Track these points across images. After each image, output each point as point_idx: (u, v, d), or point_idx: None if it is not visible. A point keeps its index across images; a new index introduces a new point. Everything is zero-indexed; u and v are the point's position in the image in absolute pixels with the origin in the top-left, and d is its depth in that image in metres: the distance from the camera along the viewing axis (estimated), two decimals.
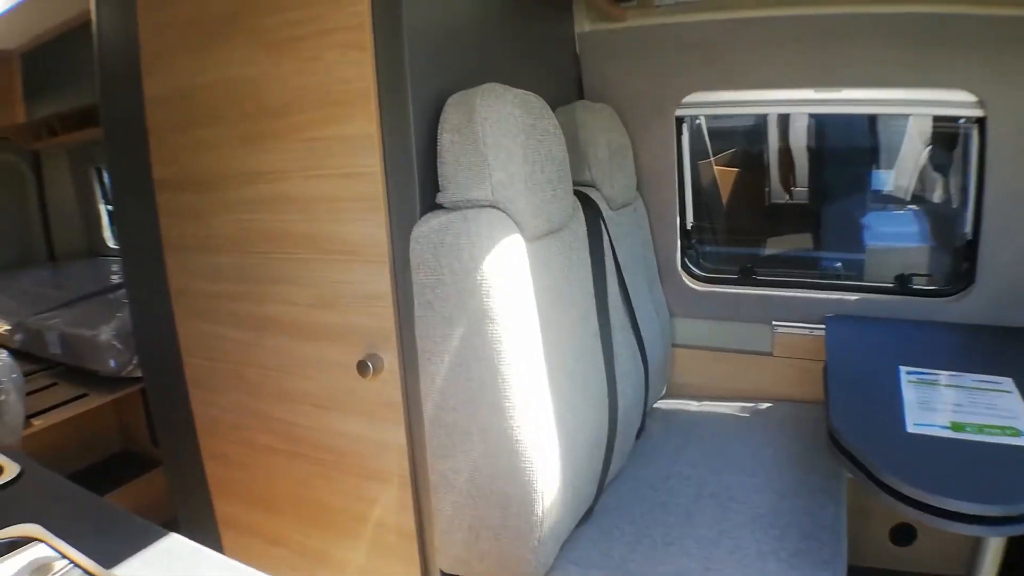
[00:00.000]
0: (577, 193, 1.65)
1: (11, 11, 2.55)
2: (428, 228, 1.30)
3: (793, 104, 2.11)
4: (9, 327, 3.13)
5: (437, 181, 1.34)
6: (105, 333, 2.58)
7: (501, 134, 1.26)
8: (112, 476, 2.70)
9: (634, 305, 1.83)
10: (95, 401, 2.63)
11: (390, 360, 1.42)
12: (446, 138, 1.30)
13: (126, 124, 1.73)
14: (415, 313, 1.34)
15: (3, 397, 2.17)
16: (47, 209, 4.46)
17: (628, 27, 2.10)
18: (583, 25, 2.14)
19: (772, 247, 2.63)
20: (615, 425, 1.61)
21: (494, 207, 1.29)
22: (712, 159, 2.61)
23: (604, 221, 1.71)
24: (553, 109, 1.59)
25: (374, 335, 1.43)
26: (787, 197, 2.88)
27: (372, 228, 1.38)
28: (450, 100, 1.32)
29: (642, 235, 2.10)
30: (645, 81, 2.11)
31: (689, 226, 2.26)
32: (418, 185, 1.33)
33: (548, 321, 1.38)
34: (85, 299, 3.14)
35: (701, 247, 2.33)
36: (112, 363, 2.59)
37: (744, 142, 2.83)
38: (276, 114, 1.42)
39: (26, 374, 2.96)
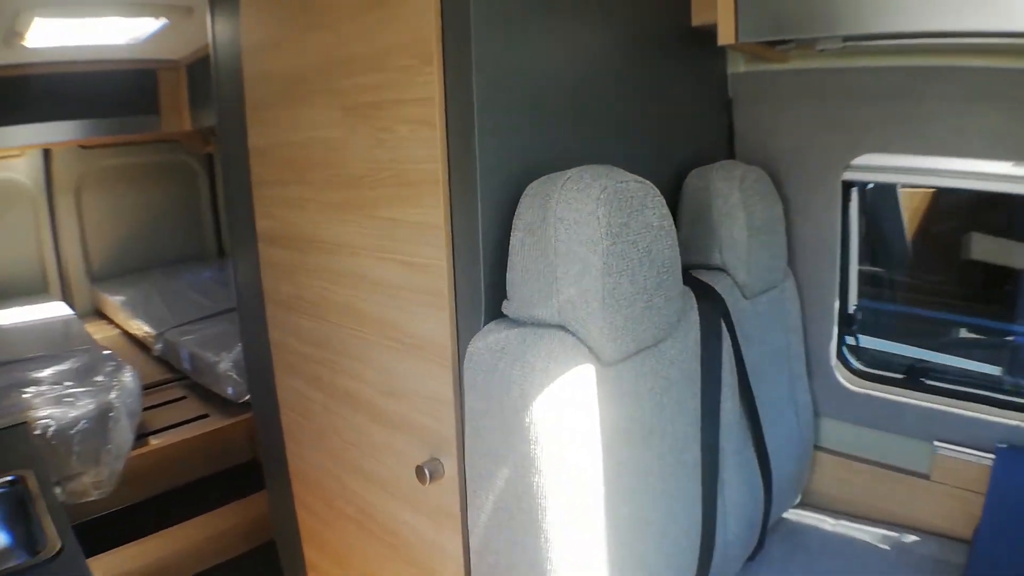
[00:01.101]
0: (695, 283, 1.41)
1: (168, 28, 2.65)
2: (484, 345, 1.12)
3: (999, 180, 1.70)
4: (153, 335, 3.33)
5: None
6: (224, 362, 2.65)
7: (578, 241, 1.05)
8: (236, 486, 2.72)
9: (765, 407, 1.55)
10: (214, 424, 2.71)
11: (450, 467, 1.27)
12: (517, 238, 1.12)
13: (236, 170, 1.75)
14: (466, 438, 1.17)
15: (112, 424, 2.25)
16: (218, 208, 4.79)
17: (794, 69, 1.77)
18: (737, 64, 1.82)
19: (949, 351, 2.16)
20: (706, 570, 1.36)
21: (562, 328, 1.09)
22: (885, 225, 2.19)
23: (729, 319, 1.44)
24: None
25: (436, 438, 1.29)
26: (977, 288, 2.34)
27: (436, 325, 1.24)
28: (528, 189, 1.13)
29: (788, 321, 1.78)
30: (809, 136, 1.76)
31: (851, 310, 1.91)
32: (485, 288, 1.16)
33: (621, 463, 1.16)
34: (223, 313, 3.27)
35: (862, 337, 1.96)
36: (230, 391, 2.65)
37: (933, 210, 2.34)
38: (354, 184, 1.35)
39: (160, 384, 3.16)
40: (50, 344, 3.03)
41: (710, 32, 1.42)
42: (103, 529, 2.30)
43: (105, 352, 2.77)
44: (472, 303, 1.18)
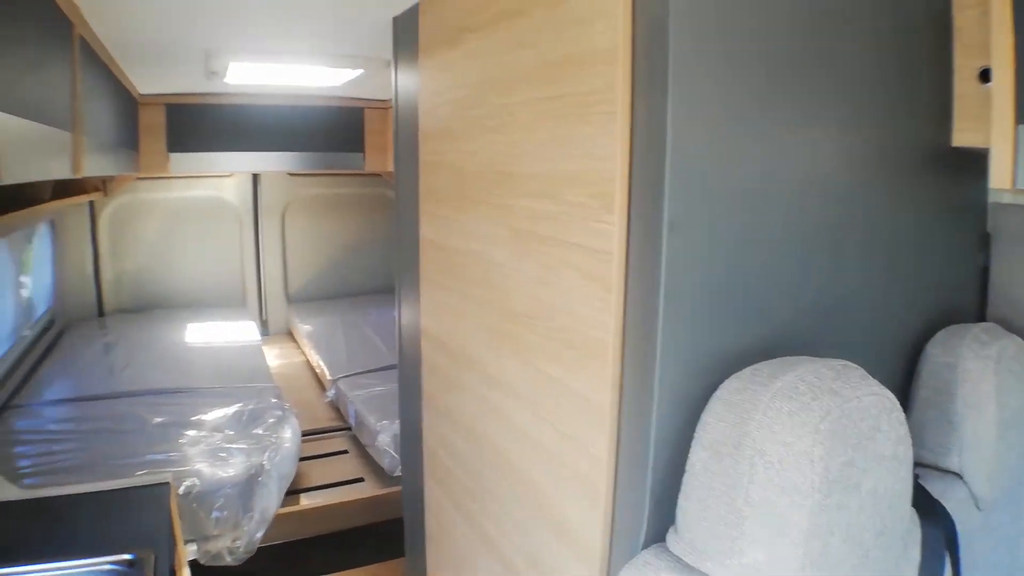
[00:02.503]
0: (921, 498, 1.04)
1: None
2: None
3: None
4: (329, 379, 3.34)
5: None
6: (384, 435, 2.56)
7: (779, 488, 0.74)
8: (377, 544, 2.59)
9: None
10: (368, 491, 2.63)
11: None
12: (698, 457, 0.83)
13: (406, 253, 1.73)
14: None
15: (259, 490, 2.20)
16: None
17: None
18: (1002, 194, 1.39)
19: None
20: None
21: None
22: None
23: (956, 549, 1.06)
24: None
25: None
26: None
27: (586, 522, 1.01)
28: (721, 391, 0.84)
29: None
30: None
31: None
32: (649, 502, 0.90)
33: None
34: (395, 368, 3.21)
35: None
36: (386, 462, 2.56)
37: None
38: (516, 319, 1.19)
39: (326, 431, 3.14)
40: (228, 375, 3.12)
41: (971, 154, 1.10)
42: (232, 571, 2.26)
43: (274, 397, 2.78)
44: (631, 516, 0.92)
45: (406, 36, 1.67)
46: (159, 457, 2.22)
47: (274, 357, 4.22)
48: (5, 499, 1.63)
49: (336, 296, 4.79)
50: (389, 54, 1.80)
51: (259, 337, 3.92)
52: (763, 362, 0.84)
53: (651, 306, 0.87)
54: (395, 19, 1.74)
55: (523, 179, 1.12)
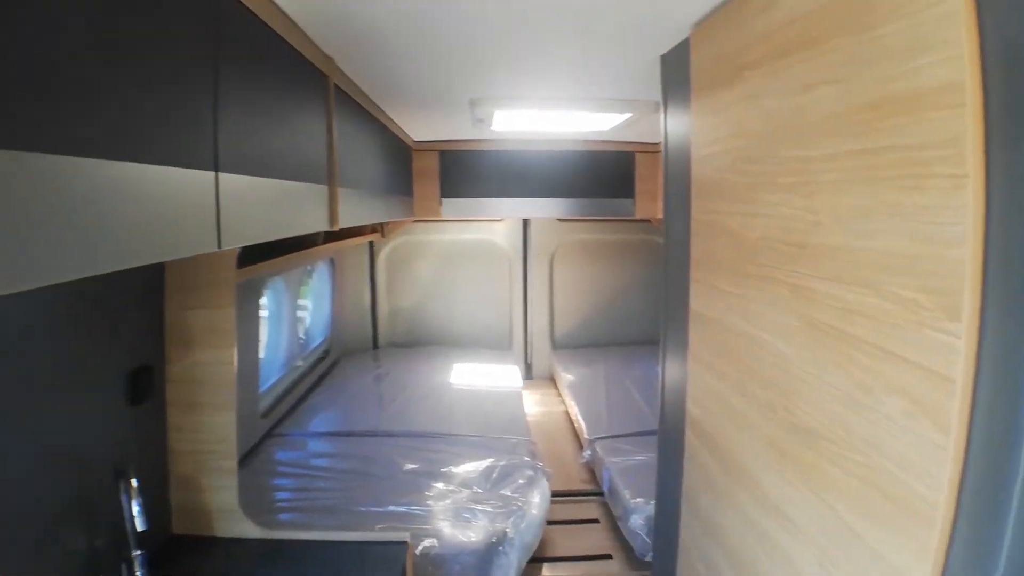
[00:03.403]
0: None
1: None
2: None
3: None
4: (586, 438, 3.17)
5: None
6: (637, 515, 2.31)
7: None
8: None
9: None
10: (615, 570, 2.39)
11: None
12: None
13: (674, 330, 1.54)
14: None
15: (499, 559, 2.05)
16: None
17: None
18: None
19: None
20: None
21: None
22: None
23: None
24: None
25: None
26: None
27: None
28: None
29: None
30: None
31: None
32: None
33: None
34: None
35: None
36: (636, 543, 2.31)
37: None
38: (804, 436, 0.95)
39: (577, 495, 2.96)
40: (485, 423, 3.09)
41: None
42: None
43: (528, 454, 2.66)
44: None
45: (675, 76, 1.48)
46: (401, 509, 2.20)
47: (534, 403, 4.20)
48: (244, 536, 1.69)
49: (601, 344, 4.69)
50: (658, 95, 1.61)
51: (521, 383, 3.90)
52: None
53: (1007, 465, 0.60)
54: (663, 57, 1.55)
55: (824, 256, 0.87)
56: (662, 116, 1.59)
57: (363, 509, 2.19)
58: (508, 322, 4.77)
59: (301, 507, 2.23)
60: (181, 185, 0.83)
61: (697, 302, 1.38)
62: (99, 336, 1.43)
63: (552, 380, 4.64)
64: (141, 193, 0.74)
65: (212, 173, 0.92)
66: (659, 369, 1.66)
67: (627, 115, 2.31)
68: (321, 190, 1.54)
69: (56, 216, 0.61)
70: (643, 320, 4.69)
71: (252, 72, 1.09)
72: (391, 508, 2.20)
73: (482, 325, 4.72)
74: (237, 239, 1.01)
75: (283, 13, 1.24)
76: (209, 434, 1.69)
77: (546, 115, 2.41)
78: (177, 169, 0.81)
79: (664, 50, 1.52)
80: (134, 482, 1.33)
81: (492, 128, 2.69)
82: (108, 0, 0.67)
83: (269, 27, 1.17)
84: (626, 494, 2.42)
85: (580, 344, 4.72)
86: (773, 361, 1.02)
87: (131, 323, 1.55)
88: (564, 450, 3.50)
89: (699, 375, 1.38)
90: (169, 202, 0.81)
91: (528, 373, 4.75)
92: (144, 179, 0.74)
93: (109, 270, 0.68)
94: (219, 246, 0.94)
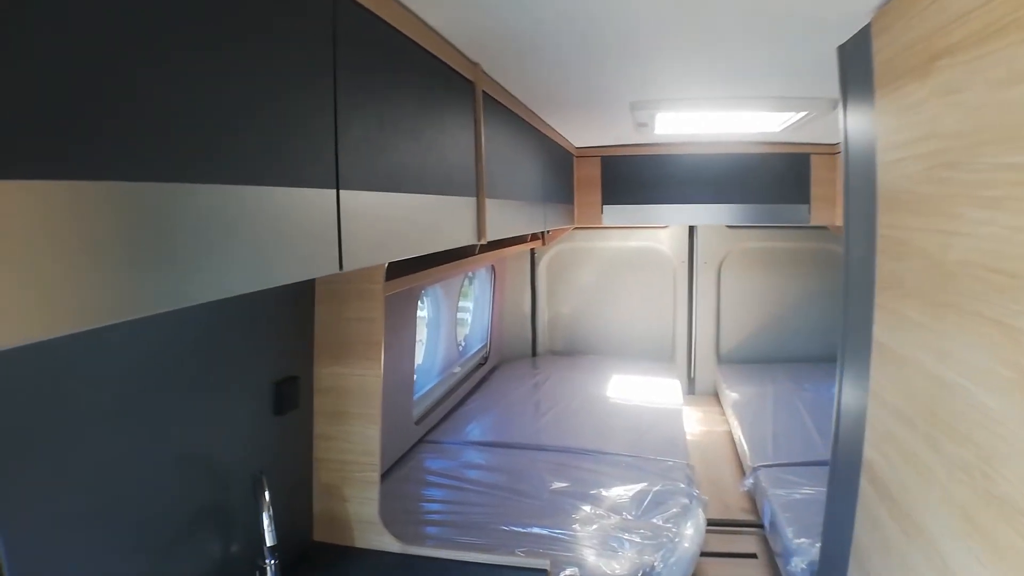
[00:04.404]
0: None
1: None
2: None
3: None
4: (749, 465, 2.94)
5: None
6: (798, 559, 2.08)
7: None
8: None
9: None
10: None
11: None
12: None
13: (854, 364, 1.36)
14: None
15: None
16: None
17: None
18: None
19: None
20: None
21: None
22: None
23: None
24: None
25: None
26: None
27: None
28: None
29: None
30: None
31: None
32: None
33: None
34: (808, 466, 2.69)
35: None
36: None
37: None
38: (1012, 509, 0.79)
39: (735, 525, 2.75)
40: (641, 443, 2.93)
41: None
42: None
43: (684, 480, 2.48)
44: None
45: (856, 68, 1.30)
46: (544, 532, 2.11)
47: (696, 422, 3.99)
48: (383, 548, 1.70)
49: (770, 361, 4.37)
50: (835, 91, 1.42)
51: (682, 400, 3.69)
52: None
53: None
54: (840, 48, 1.36)
55: None
56: (840, 115, 1.40)
57: (506, 528, 2.13)
58: (671, 333, 4.58)
59: (445, 521, 2.21)
60: (300, 204, 0.83)
61: (882, 331, 1.20)
62: (248, 347, 1.47)
63: (716, 396, 4.39)
64: (263, 215, 0.75)
65: (333, 191, 0.89)
66: (834, 402, 1.47)
67: (800, 114, 2.11)
68: (468, 202, 1.49)
69: (196, 240, 0.65)
70: (817, 336, 4.32)
71: (378, 83, 1.05)
72: (534, 530, 2.12)
73: (643, 335, 4.56)
74: (362, 260, 0.97)
75: (417, 18, 1.20)
76: (354, 445, 1.70)
77: (711, 117, 2.27)
78: (296, 189, 0.80)
79: (842, 39, 1.34)
80: (267, 495, 1.34)
81: (655, 132, 2.56)
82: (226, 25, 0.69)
83: (401, 33, 1.12)
84: (788, 532, 2.19)
85: (747, 359, 4.44)
86: (972, 414, 0.85)
87: (280, 334, 1.58)
88: (724, 475, 3.29)
89: (880, 416, 1.20)
90: (288, 223, 0.80)
91: (690, 388, 4.53)
92: (267, 200, 0.75)
93: (228, 295, 0.70)
94: (340, 267, 0.91)
